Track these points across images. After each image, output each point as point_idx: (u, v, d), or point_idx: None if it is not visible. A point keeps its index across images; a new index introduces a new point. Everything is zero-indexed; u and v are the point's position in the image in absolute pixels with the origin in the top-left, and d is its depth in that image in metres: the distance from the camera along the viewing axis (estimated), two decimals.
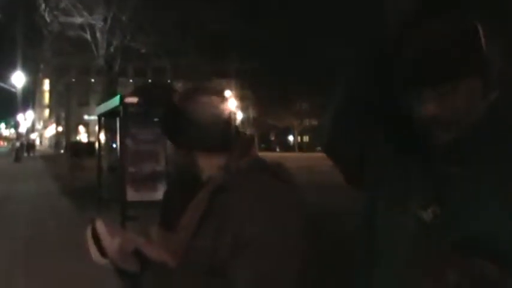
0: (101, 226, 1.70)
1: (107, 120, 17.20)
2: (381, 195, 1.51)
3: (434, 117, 1.38)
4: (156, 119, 13.13)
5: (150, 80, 55.28)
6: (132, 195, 11.82)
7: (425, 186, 1.40)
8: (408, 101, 1.40)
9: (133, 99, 12.16)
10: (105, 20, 28.84)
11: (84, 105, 74.95)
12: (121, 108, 12.26)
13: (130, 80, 54.54)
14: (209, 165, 1.93)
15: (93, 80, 55.59)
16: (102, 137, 18.59)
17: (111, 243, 1.67)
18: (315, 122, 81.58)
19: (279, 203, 1.77)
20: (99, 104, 19.90)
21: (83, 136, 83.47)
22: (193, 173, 1.98)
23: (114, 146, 18.29)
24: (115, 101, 13.05)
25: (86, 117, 76.46)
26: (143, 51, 32.37)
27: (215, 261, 1.74)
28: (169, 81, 53.00)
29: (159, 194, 10.87)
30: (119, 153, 13.37)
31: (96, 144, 20.00)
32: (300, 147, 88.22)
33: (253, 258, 1.70)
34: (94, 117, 58.87)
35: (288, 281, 1.72)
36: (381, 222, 1.50)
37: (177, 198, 1.97)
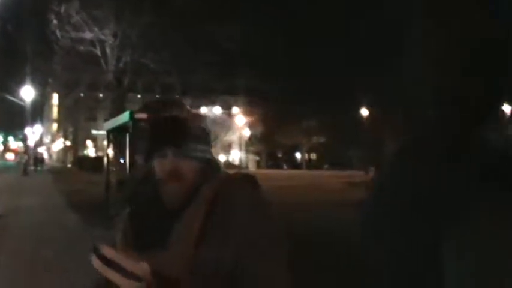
0: (111, 251, 1.68)
1: (115, 136, 17.19)
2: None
3: None
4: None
5: (158, 96, 55.35)
6: None
7: None
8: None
9: (143, 115, 12.13)
10: (115, 35, 28.95)
11: (92, 120, 75.12)
12: (131, 124, 12.24)
13: (139, 96, 54.60)
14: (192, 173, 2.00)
15: (101, 95, 55.83)
16: (111, 152, 18.56)
17: (139, 265, 1.68)
18: (322, 139, 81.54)
19: (267, 209, 1.99)
20: (107, 119, 19.89)
21: (90, 151, 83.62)
22: (160, 197, 2.00)
23: (122, 161, 18.27)
24: (125, 117, 13.03)
25: (93, 131, 76.58)
26: (152, 66, 32.47)
27: (222, 269, 1.87)
28: (177, 96, 53.16)
29: None
30: (128, 169, 13.31)
31: (105, 160, 19.97)
32: (307, 164, 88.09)
33: (259, 259, 1.88)
34: (102, 132, 58.98)
35: (286, 278, 1.94)
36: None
37: (152, 217, 2.01)
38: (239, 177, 2.05)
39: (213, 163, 2.11)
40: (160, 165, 2.00)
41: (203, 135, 2.07)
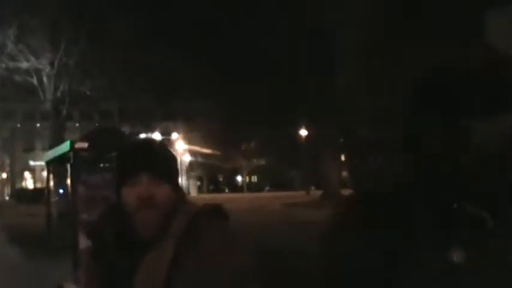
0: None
1: (55, 166, 16.95)
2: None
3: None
4: (107, 164, 13.06)
5: (97, 124, 54.79)
6: (85, 242, 11.54)
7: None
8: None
9: (83, 145, 12.01)
10: (52, 64, 28.59)
11: (30, 150, 73.68)
12: (71, 154, 12.10)
13: (77, 124, 53.94)
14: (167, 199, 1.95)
15: (38, 125, 54.87)
16: (51, 183, 18.30)
17: None
18: (262, 162, 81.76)
19: (239, 242, 1.97)
20: (46, 149, 19.62)
21: (28, 182, 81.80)
22: (129, 229, 1.94)
23: (61, 192, 18.00)
24: (65, 147, 12.89)
25: (31, 162, 75.02)
26: (90, 94, 32.14)
27: None
28: (116, 125, 52.73)
29: None
30: (70, 200, 13.14)
31: (45, 191, 19.63)
32: (249, 187, 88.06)
33: None
34: (40, 163, 57.84)
35: None
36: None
37: (116, 256, 1.96)
38: (209, 212, 2.00)
39: (180, 188, 2.07)
40: (132, 193, 1.91)
41: (173, 159, 2.04)
